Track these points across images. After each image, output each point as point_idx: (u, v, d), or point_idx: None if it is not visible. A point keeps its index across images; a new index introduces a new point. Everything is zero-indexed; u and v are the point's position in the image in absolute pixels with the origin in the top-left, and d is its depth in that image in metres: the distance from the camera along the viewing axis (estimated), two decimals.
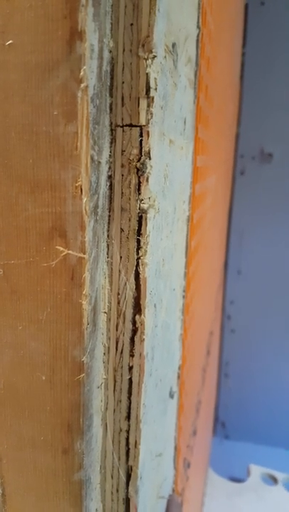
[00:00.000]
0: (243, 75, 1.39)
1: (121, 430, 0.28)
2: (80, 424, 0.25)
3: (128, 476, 0.30)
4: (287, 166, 1.40)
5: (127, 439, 0.29)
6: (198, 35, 0.38)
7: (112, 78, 0.24)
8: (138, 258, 0.26)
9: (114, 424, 0.28)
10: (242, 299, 1.55)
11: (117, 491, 0.30)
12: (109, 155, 0.25)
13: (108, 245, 0.26)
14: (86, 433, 0.26)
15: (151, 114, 0.24)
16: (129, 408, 0.28)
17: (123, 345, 0.27)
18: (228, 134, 1.09)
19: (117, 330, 0.27)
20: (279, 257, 1.47)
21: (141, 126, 0.24)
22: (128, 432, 0.28)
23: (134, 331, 0.27)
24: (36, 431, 0.26)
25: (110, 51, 0.24)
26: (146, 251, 0.26)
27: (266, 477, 1.43)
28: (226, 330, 1.59)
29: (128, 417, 0.28)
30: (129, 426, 0.28)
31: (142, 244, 0.26)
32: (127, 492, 0.30)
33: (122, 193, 0.25)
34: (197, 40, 0.38)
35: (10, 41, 0.21)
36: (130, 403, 0.28)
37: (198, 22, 0.38)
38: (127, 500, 0.30)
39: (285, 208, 1.43)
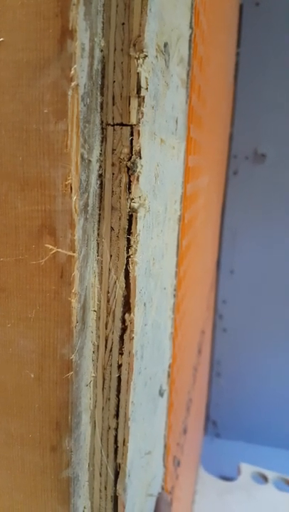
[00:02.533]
0: (237, 75, 1.39)
1: (109, 428, 0.29)
2: (68, 422, 0.25)
3: (116, 474, 0.30)
4: (280, 167, 1.41)
5: (116, 436, 0.29)
6: (190, 35, 0.38)
7: (103, 77, 0.24)
8: (128, 257, 0.26)
9: (103, 421, 0.28)
10: (234, 298, 1.56)
11: (106, 488, 0.30)
12: (100, 154, 0.25)
13: (98, 244, 0.26)
14: (74, 431, 0.26)
15: (142, 113, 0.24)
16: (117, 406, 0.28)
17: (112, 343, 0.27)
18: (222, 134, 1.09)
19: (106, 328, 0.27)
20: (271, 257, 1.48)
21: (132, 126, 0.24)
22: (116, 429, 0.29)
23: (124, 330, 0.27)
24: (25, 428, 0.26)
25: (102, 50, 0.24)
26: (136, 250, 0.26)
27: (257, 476, 1.43)
28: (218, 329, 1.59)
29: (117, 415, 0.28)
30: (117, 424, 0.28)
31: (132, 243, 0.26)
32: (115, 490, 0.30)
33: (113, 191, 0.25)
34: (190, 40, 0.38)
35: (1, 39, 0.21)
36: (119, 401, 0.28)
37: (191, 22, 0.38)
38: (115, 498, 0.30)
39: (277, 208, 1.44)
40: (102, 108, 0.24)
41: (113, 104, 0.24)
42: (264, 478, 1.42)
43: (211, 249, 1.13)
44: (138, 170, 0.25)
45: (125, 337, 0.27)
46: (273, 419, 1.59)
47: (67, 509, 0.27)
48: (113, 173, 0.25)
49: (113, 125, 0.24)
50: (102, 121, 0.25)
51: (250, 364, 1.58)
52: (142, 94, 0.24)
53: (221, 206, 1.41)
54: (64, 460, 0.26)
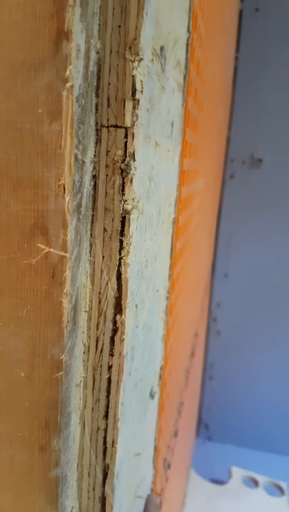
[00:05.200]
0: (235, 80, 1.40)
1: (99, 429, 0.29)
2: (57, 422, 0.25)
3: (105, 475, 0.30)
4: (276, 172, 1.42)
5: (105, 437, 0.29)
6: (188, 39, 0.38)
7: (98, 79, 0.24)
8: (120, 258, 0.26)
9: (92, 422, 0.29)
10: (228, 301, 1.56)
11: (94, 489, 0.30)
12: (94, 155, 0.25)
13: (91, 244, 0.26)
14: (63, 431, 0.26)
15: (137, 116, 0.24)
16: (107, 407, 0.28)
17: (103, 344, 0.27)
18: (219, 138, 1.09)
19: (97, 329, 0.27)
20: (266, 261, 1.48)
21: (126, 128, 0.24)
22: (106, 430, 0.29)
23: (115, 331, 0.27)
24: (13, 427, 0.26)
25: (98, 52, 0.24)
26: (128, 251, 0.26)
27: (247, 480, 1.43)
28: (212, 332, 1.59)
29: (106, 416, 0.28)
30: (106, 425, 0.28)
31: (124, 244, 0.26)
32: (104, 490, 0.30)
33: (106, 193, 0.26)
34: (187, 44, 0.38)
35: None
36: (108, 402, 0.28)
37: (188, 26, 0.38)
38: (103, 499, 0.30)
39: (273, 212, 1.44)
40: (97, 109, 0.24)
41: (108, 106, 0.24)
42: (255, 483, 1.42)
43: (206, 252, 1.14)
44: (132, 172, 0.25)
45: (116, 338, 0.27)
46: (266, 423, 1.59)
47: (55, 509, 0.27)
48: (107, 175, 0.25)
49: (108, 127, 0.24)
50: (96, 123, 0.25)
51: (244, 368, 1.58)
52: (136, 97, 0.24)
53: (217, 210, 1.41)
54: (53, 460, 0.26)
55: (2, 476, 0.28)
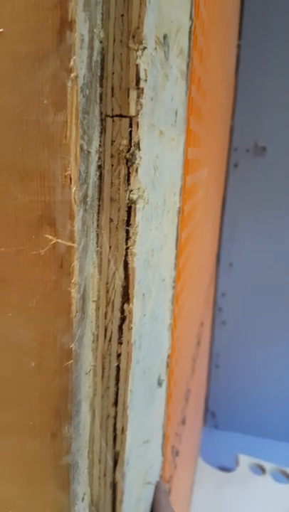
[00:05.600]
0: (238, 68, 1.39)
1: (108, 416, 0.29)
2: (68, 410, 0.26)
3: (115, 461, 0.30)
4: (281, 160, 1.41)
5: (115, 425, 0.29)
6: (190, 27, 0.38)
7: (102, 68, 0.24)
8: (127, 248, 0.27)
9: (102, 410, 0.29)
10: (233, 291, 1.56)
11: (104, 475, 0.31)
12: (99, 145, 0.25)
13: (98, 235, 0.27)
14: (74, 418, 0.26)
15: (141, 105, 0.24)
16: (116, 394, 0.29)
17: (111, 333, 0.28)
18: (222, 127, 1.09)
19: (105, 318, 0.28)
20: (271, 250, 1.48)
21: (130, 117, 0.24)
22: (115, 418, 0.29)
23: (123, 320, 0.28)
24: (25, 416, 0.27)
25: (101, 41, 0.24)
26: (135, 241, 0.27)
27: (254, 467, 1.45)
28: (217, 322, 1.60)
29: (115, 404, 0.29)
30: (116, 412, 0.29)
31: (130, 234, 0.26)
32: (114, 477, 0.31)
33: (112, 183, 0.26)
34: (190, 32, 0.38)
35: (0, 29, 0.21)
36: (118, 390, 0.28)
37: (191, 13, 0.38)
38: (114, 485, 0.31)
39: (277, 201, 1.44)
40: (101, 99, 0.24)
41: (112, 96, 0.24)
42: (262, 470, 1.44)
43: (211, 241, 1.14)
44: (137, 161, 0.25)
45: (124, 327, 0.28)
46: (272, 411, 1.60)
47: (67, 495, 0.28)
48: (112, 165, 0.25)
49: (112, 116, 0.25)
50: (101, 113, 0.25)
51: (249, 356, 1.59)
52: (140, 86, 0.24)
53: (221, 199, 1.41)
54: (64, 447, 0.27)
55: (15, 463, 0.28)
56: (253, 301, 1.54)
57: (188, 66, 0.39)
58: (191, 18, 0.38)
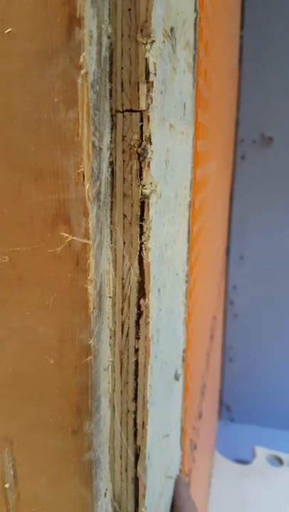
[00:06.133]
0: (241, 59, 1.37)
1: (128, 411, 0.29)
2: (88, 406, 0.26)
3: (136, 456, 0.30)
4: (288, 150, 1.40)
5: (135, 419, 0.29)
6: (195, 19, 0.38)
7: (111, 64, 0.24)
8: (141, 243, 0.27)
9: (122, 405, 0.29)
10: (244, 284, 1.56)
11: (126, 470, 0.31)
12: (110, 141, 0.25)
13: (111, 231, 0.27)
14: (95, 414, 0.27)
15: (151, 98, 0.24)
16: (136, 389, 0.29)
17: (128, 328, 0.28)
18: (228, 119, 1.08)
19: (122, 314, 0.28)
20: (281, 241, 1.47)
21: (141, 111, 0.24)
22: (135, 412, 0.29)
23: (139, 315, 0.28)
24: (46, 413, 0.27)
25: (109, 37, 0.24)
26: (149, 236, 0.27)
27: (272, 458, 1.45)
28: (229, 315, 1.60)
29: (135, 398, 0.29)
30: (136, 407, 0.29)
31: (144, 229, 0.26)
32: (136, 472, 0.31)
33: (124, 178, 0.26)
34: (195, 24, 0.38)
35: (9, 29, 0.21)
36: (137, 385, 0.28)
37: (195, 5, 0.38)
38: (136, 480, 0.31)
39: (286, 191, 1.43)
40: (111, 95, 0.24)
41: (122, 91, 0.24)
42: (279, 461, 1.44)
43: (221, 234, 1.13)
44: (149, 156, 0.25)
45: (141, 322, 0.28)
46: (286, 402, 1.60)
47: (90, 491, 0.28)
48: (124, 160, 0.25)
49: (122, 112, 0.24)
50: (111, 108, 0.25)
51: (262, 348, 1.58)
52: (150, 80, 0.24)
53: (229, 191, 1.40)
54: (85, 443, 0.27)
55: (37, 461, 0.28)
56: (265, 293, 1.54)
57: (194, 58, 0.39)
58: (196, 10, 0.38)
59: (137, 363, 0.28)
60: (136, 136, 0.25)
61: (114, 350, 0.28)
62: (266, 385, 1.61)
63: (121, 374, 0.29)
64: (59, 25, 0.21)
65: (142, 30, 0.23)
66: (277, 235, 1.47)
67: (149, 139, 0.25)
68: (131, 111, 0.24)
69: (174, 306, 0.37)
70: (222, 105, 0.81)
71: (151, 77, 0.24)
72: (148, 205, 0.26)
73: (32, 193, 0.23)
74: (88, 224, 0.23)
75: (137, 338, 0.28)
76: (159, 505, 0.37)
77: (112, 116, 0.25)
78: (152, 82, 0.24)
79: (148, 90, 0.24)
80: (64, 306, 0.24)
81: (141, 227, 0.26)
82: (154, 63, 0.24)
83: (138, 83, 0.24)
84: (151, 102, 0.24)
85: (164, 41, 0.26)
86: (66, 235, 0.23)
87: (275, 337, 1.56)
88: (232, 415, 1.68)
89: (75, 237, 0.23)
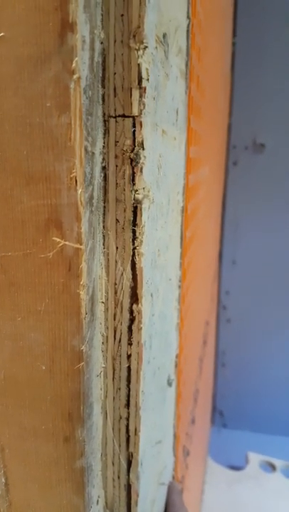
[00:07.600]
0: (233, 65, 1.39)
1: (121, 418, 0.29)
2: (80, 413, 0.26)
3: (129, 463, 0.30)
4: (280, 156, 1.41)
5: (127, 426, 0.29)
6: (188, 26, 0.38)
7: (103, 69, 0.24)
8: (134, 248, 0.27)
9: (114, 411, 0.29)
10: (237, 289, 1.56)
11: (118, 477, 0.31)
12: (103, 146, 0.25)
13: (104, 236, 0.27)
14: (87, 421, 0.26)
15: (144, 104, 0.24)
16: (128, 396, 0.28)
17: (121, 334, 0.28)
18: (221, 125, 1.09)
19: (114, 319, 0.28)
20: (273, 246, 1.48)
21: (134, 117, 0.24)
22: (128, 419, 0.29)
23: (132, 320, 0.27)
24: (38, 420, 0.27)
25: (101, 42, 0.24)
26: (141, 241, 0.26)
27: (265, 464, 1.44)
28: (222, 320, 1.60)
29: (127, 405, 0.29)
30: (128, 413, 0.29)
31: (137, 234, 0.26)
32: (128, 479, 0.31)
33: (117, 183, 0.26)
34: (187, 31, 0.38)
35: (1, 34, 0.21)
36: (129, 391, 0.28)
37: (188, 12, 0.38)
38: (128, 487, 0.31)
39: (278, 197, 1.44)
40: (103, 100, 0.24)
41: (115, 96, 0.24)
42: (272, 467, 1.43)
43: (213, 240, 1.14)
44: (141, 161, 0.25)
45: (134, 327, 0.27)
46: (279, 407, 1.60)
47: (82, 498, 0.28)
48: (116, 165, 0.25)
49: (115, 117, 0.24)
50: (104, 114, 0.25)
51: (255, 354, 1.59)
52: (143, 85, 0.24)
53: (221, 197, 1.41)
54: (77, 450, 0.27)
55: (29, 468, 0.28)
56: (257, 298, 1.54)
57: (187, 65, 0.39)
58: (188, 16, 0.38)
59: (129, 369, 0.28)
60: (128, 142, 0.25)
61: (107, 356, 0.28)
62: (259, 391, 1.61)
63: (113, 380, 0.28)
64: (52, 30, 0.21)
65: (134, 36, 0.23)
66: (270, 240, 1.48)
67: (142, 144, 0.25)
68: (123, 116, 0.24)
69: (166, 311, 0.37)
70: (214, 111, 0.82)
71: (144, 83, 0.24)
72: (141, 210, 0.26)
73: (24, 198, 0.23)
74: (81, 229, 0.23)
75: (130, 343, 0.28)
76: None
77: (104, 121, 0.25)
78: (145, 88, 0.24)
79: (140, 96, 0.24)
80: (56, 312, 0.24)
81: (134, 232, 0.26)
82: (147, 69, 0.24)
83: (131, 89, 0.24)
84: (144, 107, 0.24)
85: (156, 47, 0.26)
86: (58, 239, 0.23)
87: (267, 342, 1.56)
88: (225, 421, 1.68)
89: (67, 242, 0.23)
